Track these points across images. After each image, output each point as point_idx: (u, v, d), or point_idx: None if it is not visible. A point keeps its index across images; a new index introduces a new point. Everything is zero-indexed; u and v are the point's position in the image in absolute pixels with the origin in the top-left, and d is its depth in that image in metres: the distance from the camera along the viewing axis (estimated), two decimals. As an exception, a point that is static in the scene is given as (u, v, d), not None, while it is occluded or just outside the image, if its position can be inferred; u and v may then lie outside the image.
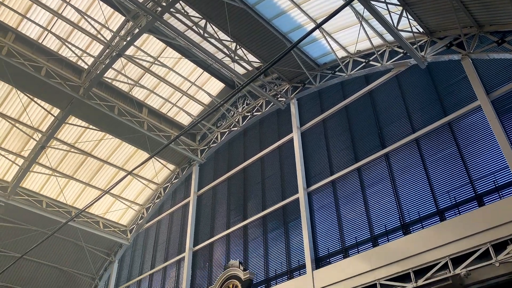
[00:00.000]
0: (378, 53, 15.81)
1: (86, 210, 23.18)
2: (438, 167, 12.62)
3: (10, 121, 19.43)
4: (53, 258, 22.99)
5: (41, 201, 21.82)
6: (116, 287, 23.51)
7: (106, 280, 24.39)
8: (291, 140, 17.68)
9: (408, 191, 13.04)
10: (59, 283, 23.62)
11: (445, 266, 10.87)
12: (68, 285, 23.93)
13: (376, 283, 11.96)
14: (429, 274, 11.01)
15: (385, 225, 13.10)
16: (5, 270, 21.05)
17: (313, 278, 13.59)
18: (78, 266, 23.80)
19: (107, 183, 23.09)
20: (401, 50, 15.19)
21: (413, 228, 12.41)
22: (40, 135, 20.07)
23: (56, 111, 19.71)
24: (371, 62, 16.09)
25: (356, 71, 16.48)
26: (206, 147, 22.50)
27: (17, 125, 19.64)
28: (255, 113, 20.35)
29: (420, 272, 11.26)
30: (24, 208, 20.90)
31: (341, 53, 17.13)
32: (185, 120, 22.72)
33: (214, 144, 22.02)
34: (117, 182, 8.06)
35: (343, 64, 17.00)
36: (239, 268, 15.60)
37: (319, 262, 14.14)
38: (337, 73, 17.28)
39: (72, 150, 21.18)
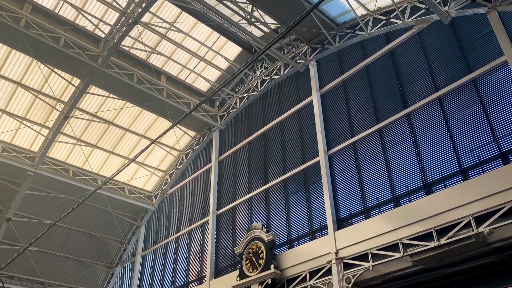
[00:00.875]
0: (399, 9, 15.26)
1: (111, 177, 23.79)
2: (462, 126, 12.39)
3: (33, 92, 19.79)
4: (83, 224, 23.90)
5: (68, 170, 22.47)
6: (144, 250, 24.42)
7: (134, 244, 25.32)
8: (311, 103, 17.53)
9: (430, 151, 12.90)
10: (89, 247, 24.65)
11: (468, 225, 10.87)
12: (99, 250, 24.98)
13: (398, 243, 12.07)
14: (451, 233, 11.04)
15: (407, 185, 13.08)
16: (40, 237, 22.09)
17: (335, 238, 13.80)
18: (107, 231, 24.72)
19: (130, 151, 23.55)
20: (423, 6, 14.62)
21: (435, 188, 12.36)
22: (62, 106, 20.43)
23: (76, 81, 19.94)
24: (391, 20, 15.58)
25: (377, 29, 16.01)
26: (225, 112, 22.54)
27: (40, 96, 20.01)
28: (273, 77, 20.16)
29: (442, 231, 11.29)
30: (52, 177, 21.58)
31: (360, 11, 16.61)
32: (203, 86, 22.71)
33: (233, 110, 22.04)
34: (142, 150, 8.21)
35: (363, 22, 16.51)
36: (262, 230, 15.94)
37: (341, 223, 14.31)
38: (356, 32, 16.82)
39: (95, 119, 21.55)
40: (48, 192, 22.29)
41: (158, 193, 24.96)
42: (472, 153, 11.88)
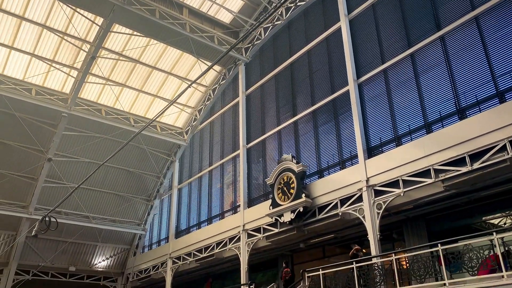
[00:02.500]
0: None
1: (141, 115, 24.30)
2: (499, 47, 11.75)
3: (58, 34, 19.83)
4: (120, 162, 24.89)
5: (100, 109, 23.01)
6: (179, 183, 25.42)
7: (170, 178, 26.35)
8: (339, 29, 16.86)
9: (465, 75, 12.41)
10: (128, 183, 25.85)
11: (503, 149, 10.66)
12: (137, 184, 26.17)
13: (429, 169, 12.06)
14: (485, 157, 10.91)
15: (439, 111, 12.79)
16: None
17: (365, 166, 13.91)
18: (143, 167, 25.70)
19: (158, 88, 23.71)
20: None
21: (469, 112, 12.05)
22: (88, 46, 20.46)
23: (99, 20, 19.75)
24: None
25: None
26: (250, 45, 22.07)
27: (65, 37, 20.05)
28: (298, 3, 19.33)
29: (476, 155, 11.15)
30: (85, 117, 22.19)
31: None
32: (226, 17, 22.10)
33: (258, 41, 21.54)
34: (181, 92, 8.34)
35: None
36: (292, 161, 16.21)
37: (371, 151, 14.33)
38: (387, -51, 15.65)
39: (121, 58, 21.59)
40: (83, 132, 23.06)
41: (189, 129, 25.42)
42: (510, 75, 11.36)
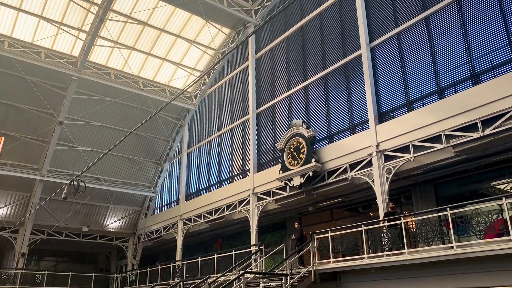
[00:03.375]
0: None
1: (150, 79, 24.24)
2: (519, 10, 11.47)
3: (66, -4, 19.56)
4: (130, 125, 25.01)
5: (109, 73, 22.97)
6: (189, 147, 25.67)
7: (179, 142, 26.59)
8: (352, -9, 16.45)
9: (480, 39, 12.19)
10: (138, 146, 26.15)
11: (516, 115, 10.63)
12: (147, 148, 26.48)
13: (441, 134, 12.08)
14: (497, 123, 10.89)
15: (453, 76, 12.67)
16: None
17: (376, 132, 13.94)
18: (153, 131, 25.89)
19: (167, 52, 23.51)
20: None
21: (483, 78, 11.94)
22: (97, 8, 20.19)
23: (107, -19, 19.38)
24: None
25: None
26: (260, 6, 21.65)
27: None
28: (310, -36, 18.80)
29: (488, 121, 11.13)
30: (95, 80, 22.20)
31: None
32: (236, -21, 21.57)
33: (268, 3, 21.11)
34: (192, 82, 8.26)
35: None
36: (302, 126, 16.27)
37: (382, 116, 14.33)
38: None
39: (129, 21, 21.33)
40: (93, 95, 23.15)
41: (198, 93, 25.38)
42: (528, 39, 11.16)
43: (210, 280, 12.36)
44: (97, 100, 23.39)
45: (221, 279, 14.21)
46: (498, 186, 12.98)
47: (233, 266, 15.94)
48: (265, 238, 20.45)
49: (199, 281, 12.27)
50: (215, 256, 18.17)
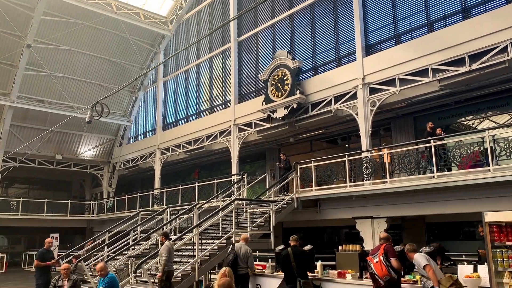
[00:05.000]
0: None
1: (124, 2, 22.84)
2: None
3: None
4: (102, 51, 24.01)
5: (79, -7, 21.41)
6: (164, 76, 24.98)
7: (154, 70, 25.78)
8: None
9: (474, -29, 12.02)
10: (111, 73, 25.22)
11: (503, 50, 10.82)
12: (120, 76, 25.56)
13: (428, 68, 12.23)
14: (484, 58, 11.10)
15: (444, 9, 12.60)
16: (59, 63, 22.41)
17: (362, 64, 13.96)
18: (126, 57, 24.89)
19: (141, -28, 22.02)
20: None
21: (474, 12, 11.95)
22: None
23: None
24: None
25: None
26: None
27: None
28: None
29: (475, 56, 11.31)
30: (65, 0, 20.65)
31: None
32: None
33: None
34: None
35: None
36: (287, 57, 16.03)
37: (370, 49, 14.28)
38: None
39: None
40: (63, 17, 21.72)
41: (174, 18, 24.22)
42: (522, -27, 11.10)
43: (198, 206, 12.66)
44: (67, 22, 22.00)
45: (206, 205, 14.59)
46: (478, 120, 13.50)
47: (215, 194, 16.33)
48: (244, 168, 20.79)
49: (189, 206, 12.52)
50: (196, 184, 18.47)
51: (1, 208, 23.11)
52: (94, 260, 12.12)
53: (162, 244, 9.31)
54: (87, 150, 27.13)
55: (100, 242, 13.90)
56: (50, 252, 10.84)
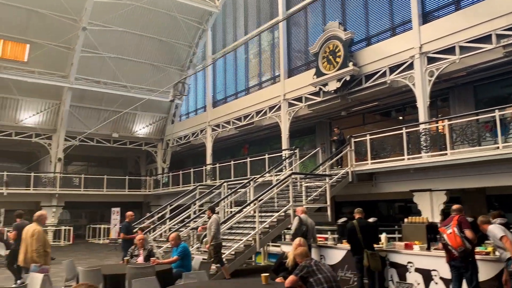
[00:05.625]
0: None
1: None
2: None
3: None
4: (152, 31, 24.51)
5: (129, -26, 21.84)
6: (213, 53, 25.22)
7: (203, 48, 26.07)
8: None
9: None
10: (161, 53, 25.79)
11: None
12: (170, 55, 26.12)
13: (491, 34, 11.61)
14: (556, 22, 10.41)
15: (510, -30, 11.82)
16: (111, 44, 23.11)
17: (419, 32, 13.45)
18: (175, 36, 25.31)
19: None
20: None
21: (544, -29, 11.14)
22: None
23: None
24: None
25: None
26: None
27: None
28: None
29: (545, 20, 10.64)
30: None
31: None
32: None
33: None
34: None
35: None
36: (339, 28, 15.71)
37: (426, 16, 13.72)
38: None
39: None
40: (116, -1, 22.36)
41: (220, -6, 24.24)
42: None
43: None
44: (119, 4, 22.54)
45: (260, 180, 14.89)
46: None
47: (267, 169, 16.59)
48: (294, 142, 20.86)
49: (246, 181, 12.88)
50: (248, 159, 18.81)
51: (65, 184, 24.60)
52: (159, 232, 12.78)
53: (209, 218, 9.74)
54: (142, 128, 28.15)
55: (156, 216, 14.59)
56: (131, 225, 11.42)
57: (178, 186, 23.99)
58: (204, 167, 22.40)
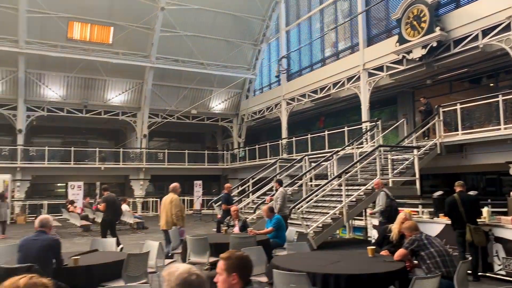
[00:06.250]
0: None
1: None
2: None
3: None
4: (225, 6, 24.67)
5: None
6: (287, 25, 24.95)
7: (276, 21, 25.88)
8: None
9: None
10: (235, 28, 25.96)
11: None
12: (243, 29, 26.22)
13: None
14: None
15: None
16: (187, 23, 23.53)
17: (518, -10, 12.27)
18: (248, 10, 25.28)
19: None
20: None
21: None
22: None
23: None
24: None
25: None
26: None
27: None
28: None
29: None
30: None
31: None
32: None
33: None
34: None
35: None
36: (424, -9, 14.75)
37: (527, -29, 12.43)
38: None
39: None
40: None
41: (293, -36, 23.73)
42: None
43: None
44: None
45: (341, 153, 14.75)
46: None
47: (346, 142, 16.37)
48: (373, 114, 20.28)
49: (329, 154, 12.84)
50: (326, 132, 18.65)
51: (150, 159, 26.13)
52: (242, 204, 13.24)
53: (276, 191, 9.87)
54: (218, 104, 28.90)
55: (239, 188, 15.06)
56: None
57: (255, 160, 24.48)
58: (280, 141, 22.58)
